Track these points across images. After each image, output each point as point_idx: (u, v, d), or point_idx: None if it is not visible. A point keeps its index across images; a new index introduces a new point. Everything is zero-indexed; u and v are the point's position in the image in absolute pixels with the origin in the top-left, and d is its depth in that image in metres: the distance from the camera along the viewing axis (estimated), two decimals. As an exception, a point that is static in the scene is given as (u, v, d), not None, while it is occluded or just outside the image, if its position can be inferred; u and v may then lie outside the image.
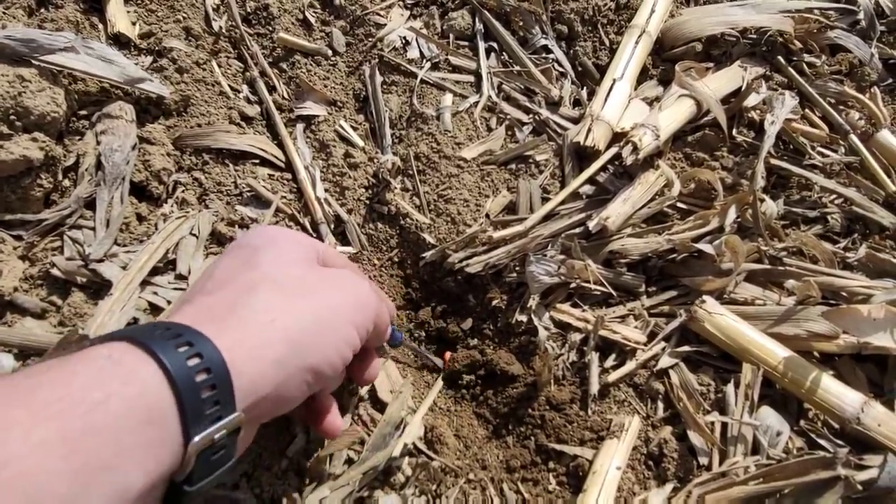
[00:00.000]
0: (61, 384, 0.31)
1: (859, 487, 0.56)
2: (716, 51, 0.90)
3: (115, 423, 0.31)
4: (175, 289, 0.65)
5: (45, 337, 0.57)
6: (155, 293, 0.63)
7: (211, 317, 0.40)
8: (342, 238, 0.74)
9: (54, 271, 0.61)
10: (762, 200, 0.73)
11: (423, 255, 0.72)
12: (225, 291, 0.43)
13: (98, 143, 0.67)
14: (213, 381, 0.36)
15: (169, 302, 0.63)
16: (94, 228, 0.65)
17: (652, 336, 0.70)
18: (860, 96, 0.87)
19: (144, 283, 0.63)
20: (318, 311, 0.45)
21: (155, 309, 0.62)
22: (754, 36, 0.90)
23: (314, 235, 0.72)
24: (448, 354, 0.72)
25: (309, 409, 0.52)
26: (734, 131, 0.83)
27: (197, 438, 0.35)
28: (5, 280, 0.59)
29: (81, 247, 0.63)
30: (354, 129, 0.82)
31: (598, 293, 0.72)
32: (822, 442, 0.62)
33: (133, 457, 0.32)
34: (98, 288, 0.61)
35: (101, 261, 0.62)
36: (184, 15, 0.82)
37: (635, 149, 0.73)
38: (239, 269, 0.46)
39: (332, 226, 0.74)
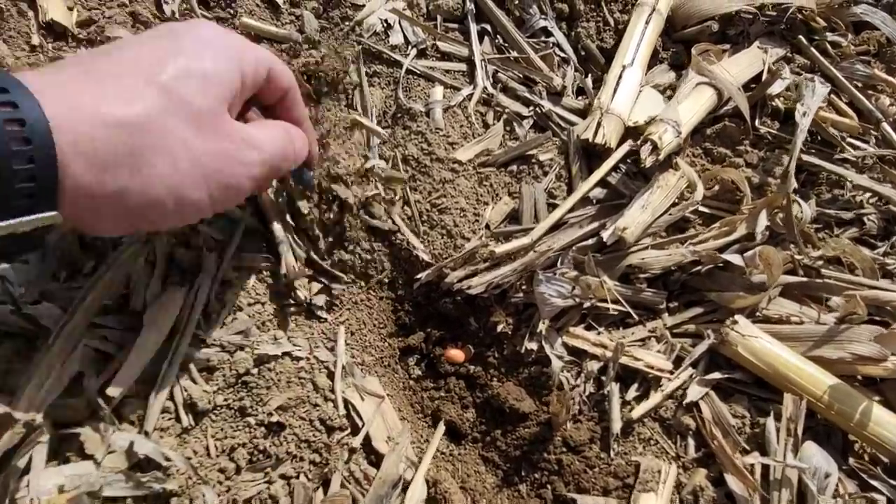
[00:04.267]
0: None
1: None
2: (732, 30, 0.81)
3: None
4: (128, 329, 0.55)
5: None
6: (104, 338, 0.53)
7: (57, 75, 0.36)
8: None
9: (-23, 319, 0.50)
10: (796, 203, 0.65)
11: (418, 276, 0.63)
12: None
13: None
14: (32, 171, 0.32)
15: (121, 346, 0.54)
16: (26, 261, 0.54)
17: (677, 361, 0.63)
18: (891, 79, 0.79)
19: (92, 327, 0.53)
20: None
21: (105, 357, 0.53)
22: (773, 13, 0.81)
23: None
24: (454, 352, 0.64)
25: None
26: (756, 122, 0.74)
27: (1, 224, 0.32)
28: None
29: (10, 284, 0.52)
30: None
31: (615, 313, 0.64)
32: (876, 484, 0.55)
33: None
34: (33, 336, 0.51)
35: (35, 302, 0.52)
36: (129, -2, 0.70)
37: (655, 148, 0.64)
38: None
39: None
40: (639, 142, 0.65)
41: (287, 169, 0.50)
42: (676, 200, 0.66)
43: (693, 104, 0.69)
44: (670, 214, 0.66)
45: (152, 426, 0.51)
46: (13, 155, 0.32)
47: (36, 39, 0.67)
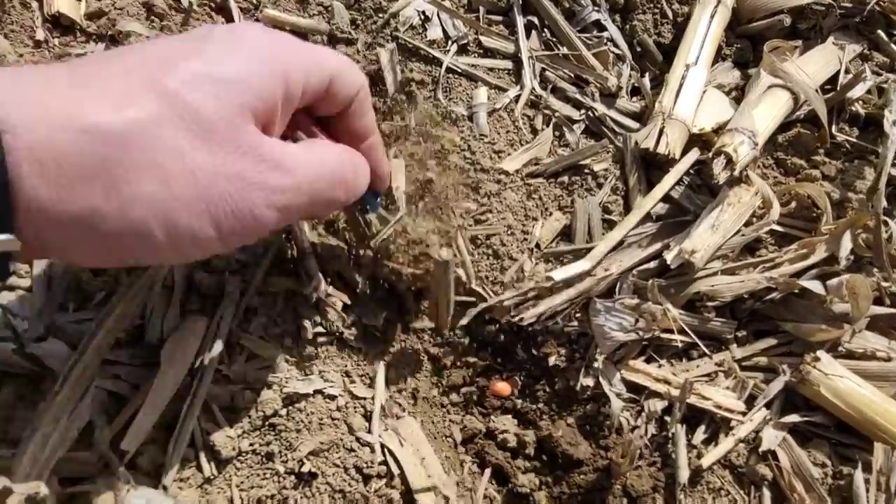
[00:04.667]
0: None
1: None
2: (803, 24, 0.73)
3: None
4: (143, 364, 0.49)
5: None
6: (117, 377, 0.48)
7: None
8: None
9: (-25, 358, 0.45)
10: (885, 224, 0.58)
11: (468, 311, 0.56)
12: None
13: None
14: None
15: (136, 387, 0.48)
16: (30, 289, 0.49)
17: (749, 400, 0.56)
18: (983, 81, 0.71)
19: (103, 364, 0.47)
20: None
21: (118, 399, 0.47)
22: (849, 4, 0.74)
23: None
24: (500, 385, 0.58)
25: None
26: (833, 128, 0.67)
27: None
28: None
29: (13, 317, 0.47)
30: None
31: (679, 344, 0.58)
32: (983, 551, 0.49)
33: None
34: (38, 377, 0.46)
35: (40, 339, 0.46)
36: (143, -13, 0.64)
37: (730, 162, 0.57)
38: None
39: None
40: (710, 154, 0.58)
41: (342, 200, 0.42)
42: (750, 220, 0.59)
43: (768, 110, 0.62)
44: (742, 235, 0.59)
45: (171, 480, 0.45)
46: None
47: (41, 34, 0.61)
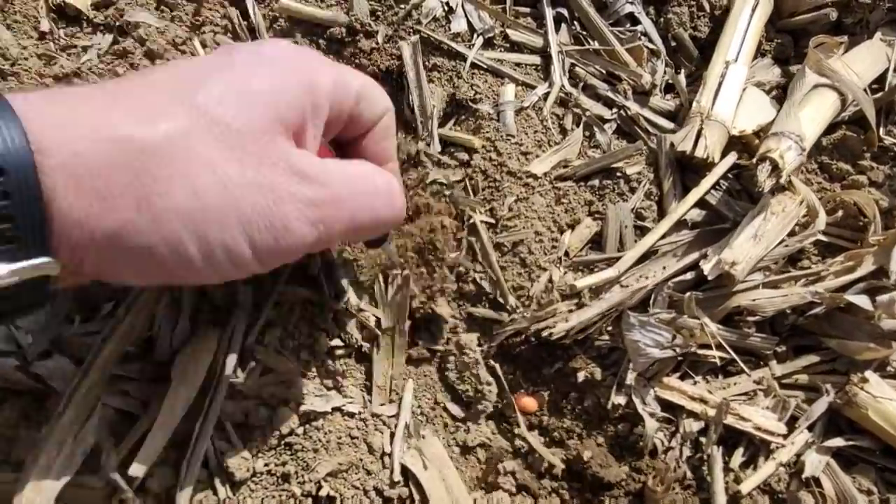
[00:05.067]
0: None
1: None
2: (848, 18, 0.69)
3: None
4: (152, 380, 0.47)
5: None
6: (126, 393, 0.45)
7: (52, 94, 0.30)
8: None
9: (-23, 376, 0.42)
10: (938, 236, 0.55)
11: (496, 330, 0.54)
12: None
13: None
14: (9, 210, 0.26)
15: (146, 404, 0.45)
16: (35, 299, 0.46)
17: (790, 421, 0.53)
18: None
19: (111, 379, 0.45)
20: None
21: (127, 417, 0.45)
22: (897, -4, 0.69)
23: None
24: (526, 401, 0.55)
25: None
26: (881, 131, 0.63)
27: None
28: None
29: (16, 329, 0.44)
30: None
31: (716, 360, 0.54)
32: None
33: None
34: (42, 396, 0.43)
35: (45, 355, 0.44)
36: (152, -25, 0.60)
37: (776, 168, 0.53)
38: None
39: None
40: (754, 160, 0.54)
41: (389, 221, 0.40)
42: (794, 230, 0.56)
43: (814, 112, 0.58)
44: (785, 246, 0.55)
45: (184, 504, 0.43)
46: None
47: (45, 25, 0.58)
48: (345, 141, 0.41)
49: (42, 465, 0.39)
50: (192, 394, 0.45)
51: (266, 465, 0.47)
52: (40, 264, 0.27)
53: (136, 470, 0.41)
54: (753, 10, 0.64)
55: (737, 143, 0.61)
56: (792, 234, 0.56)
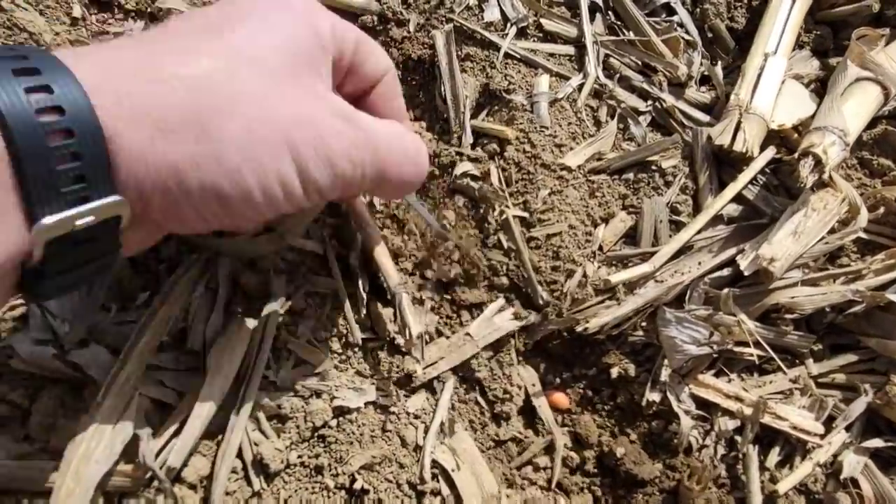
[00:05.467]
0: None
1: None
2: (891, 10, 0.67)
3: None
4: (188, 368, 0.47)
5: (5, 469, 0.39)
6: (161, 382, 0.45)
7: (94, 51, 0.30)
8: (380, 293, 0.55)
9: (15, 363, 0.42)
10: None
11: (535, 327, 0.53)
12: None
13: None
14: (74, 147, 0.26)
15: (181, 394, 0.45)
16: (70, 287, 0.46)
17: (827, 421, 0.52)
18: None
19: (147, 369, 0.45)
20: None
21: (161, 408, 0.45)
22: (940, -12, 0.68)
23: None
24: (557, 397, 0.54)
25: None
26: (923, 126, 0.62)
27: (47, 221, 0.26)
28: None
29: (53, 318, 0.44)
30: (414, 120, 0.61)
31: (753, 357, 0.54)
32: None
33: None
34: (79, 385, 0.43)
35: (82, 343, 0.43)
36: (184, -40, 0.60)
37: (818, 164, 0.52)
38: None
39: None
40: (796, 155, 0.53)
41: (415, 180, 0.40)
42: (835, 227, 0.55)
43: (857, 106, 0.57)
44: (826, 243, 0.54)
45: (219, 496, 0.43)
46: (45, 128, 0.25)
47: (77, 10, 0.57)
48: (349, 101, 0.40)
49: (82, 453, 0.39)
50: (227, 385, 0.45)
51: (299, 456, 0.46)
52: (111, 203, 0.28)
53: (176, 460, 0.41)
54: (794, 0, 0.63)
55: (774, 137, 0.60)
56: (832, 231, 0.55)
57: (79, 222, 0.27)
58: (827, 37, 0.67)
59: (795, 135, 0.60)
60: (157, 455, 0.42)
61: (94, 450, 0.39)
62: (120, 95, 0.28)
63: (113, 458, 0.39)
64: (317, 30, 0.35)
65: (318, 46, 0.35)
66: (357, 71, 0.39)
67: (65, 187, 0.26)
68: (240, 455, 0.45)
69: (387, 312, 0.51)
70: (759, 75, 0.60)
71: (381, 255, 0.50)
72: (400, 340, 0.50)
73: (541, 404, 0.54)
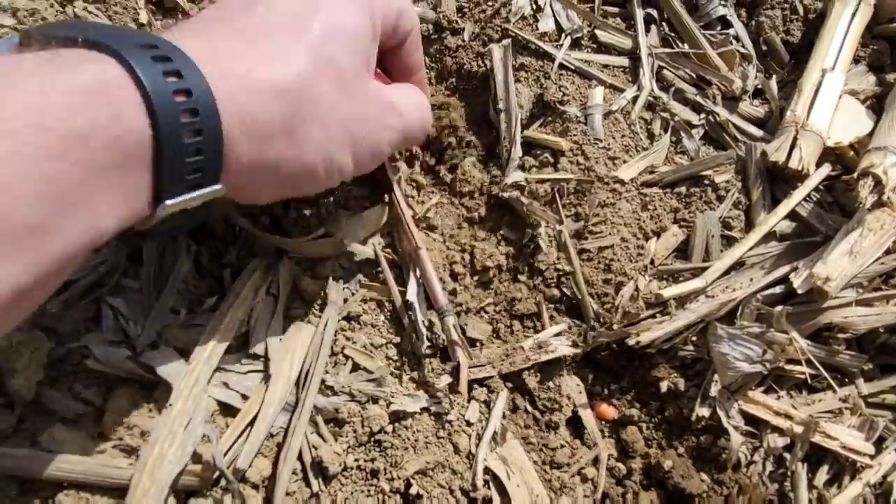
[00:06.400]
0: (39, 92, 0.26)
1: None
2: (950, 25, 0.67)
3: (94, 159, 0.27)
4: (251, 371, 0.48)
5: (83, 466, 0.41)
6: (225, 384, 0.46)
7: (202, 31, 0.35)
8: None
9: (91, 363, 0.44)
10: None
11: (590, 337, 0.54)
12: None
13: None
14: (199, 145, 0.31)
15: (244, 396, 0.47)
16: (140, 289, 0.47)
17: (878, 441, 0.52)
18: None
19: (215, 372, 0.46)
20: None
21: (226, 409, 0.46)
22: None
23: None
24: (605, 408, 0.55)
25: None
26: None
27: (170, 202, 0.31)
28: (26, 370, 0.43)
29: (125, 321, 0.46)
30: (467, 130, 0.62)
31: (804, 375, 0.54)
32: None
33: (108, 200, 0.28)
34: (151, 385, 0.45)
35: (153, 345, 0.45)
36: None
37: (878, 184, 0.52)
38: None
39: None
40: (855, 175, 0.53)
41: (419, 141, 0.49)
42: (891, 247, 0.54)
43: (917, 126, 0.57)
44: (881, 263, 0.54)
45: (281, 497, 0.44)
46: (183, 128, 0.30)
47: (144, 16, 0.59)
48: (382, 56, 0.45)
49: (156, 454, 0.40)
50: (289, 388, 0.47)
51: (356, 460, 0.48)
52: (214, 191, 0.33)
53: (243, 462, 0.42)
54: (853, 15, 0.63)
55: (829, 154, 0.60)
56: (888, 251, 0.54)
57: (189, 204, 0.32)
58: (884, 52, 0.66)
59: (851, 152, 0.59)
60: (224, 455, 0.43)
61: (167, 450, 0.41)
62: (235, 106, 0.32)
63: (185, 458, 0.41)
64: (372, 19, 0.40)
65: (372, 39, 0.40)
66: (394, 33, 0.44)
67: (188, 176, 0.31)
68: (299, 457, 0.47)
69: (439, 323, 0.52)
70: (817, 91, 0.60)
71: (430, 274, 0.51)
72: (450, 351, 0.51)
73: (588, 415, 0.54)
